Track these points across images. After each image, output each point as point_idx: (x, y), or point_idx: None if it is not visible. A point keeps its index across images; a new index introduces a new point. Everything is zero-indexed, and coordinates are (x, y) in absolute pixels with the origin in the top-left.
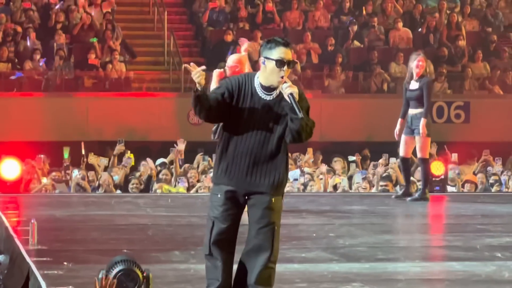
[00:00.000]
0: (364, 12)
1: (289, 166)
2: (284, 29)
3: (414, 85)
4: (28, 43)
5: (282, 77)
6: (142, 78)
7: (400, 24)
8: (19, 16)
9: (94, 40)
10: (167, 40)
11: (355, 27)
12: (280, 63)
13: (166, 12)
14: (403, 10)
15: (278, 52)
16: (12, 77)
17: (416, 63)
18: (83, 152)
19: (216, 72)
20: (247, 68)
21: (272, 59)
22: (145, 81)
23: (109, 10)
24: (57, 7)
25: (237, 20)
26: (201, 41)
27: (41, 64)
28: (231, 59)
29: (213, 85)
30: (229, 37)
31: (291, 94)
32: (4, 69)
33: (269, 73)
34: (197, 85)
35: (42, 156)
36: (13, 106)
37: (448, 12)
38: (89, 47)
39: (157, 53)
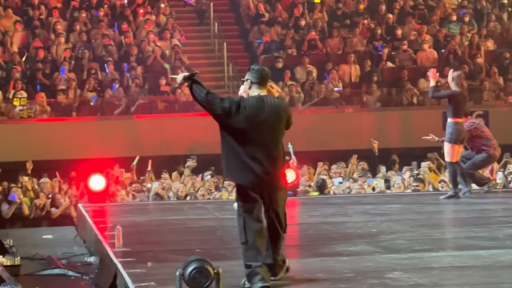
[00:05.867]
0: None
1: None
2: (327, 54)
3: None
4: (108, 74)
5: None
6: None
7: (427, 46)
8: (99, 51)
9: (167, 66)
10: (226, 67)
11: (387, 50)
12: None
13: (225, 43)
14: (429, 34)
15: None
16: (91, 103)
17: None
18: (149, 168)
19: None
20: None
21: None
22: None
23: (178, 44)
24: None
25: (286, 48)
26: None
27: (114, 90)
28: (241, 89)
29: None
30: (279, 64)
31: None
32: (90, 97)
33: None
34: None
35: (122, 170)
36: (98, 127)
37: (468, 34)
38: (160, 75)
39: (218, 78)
